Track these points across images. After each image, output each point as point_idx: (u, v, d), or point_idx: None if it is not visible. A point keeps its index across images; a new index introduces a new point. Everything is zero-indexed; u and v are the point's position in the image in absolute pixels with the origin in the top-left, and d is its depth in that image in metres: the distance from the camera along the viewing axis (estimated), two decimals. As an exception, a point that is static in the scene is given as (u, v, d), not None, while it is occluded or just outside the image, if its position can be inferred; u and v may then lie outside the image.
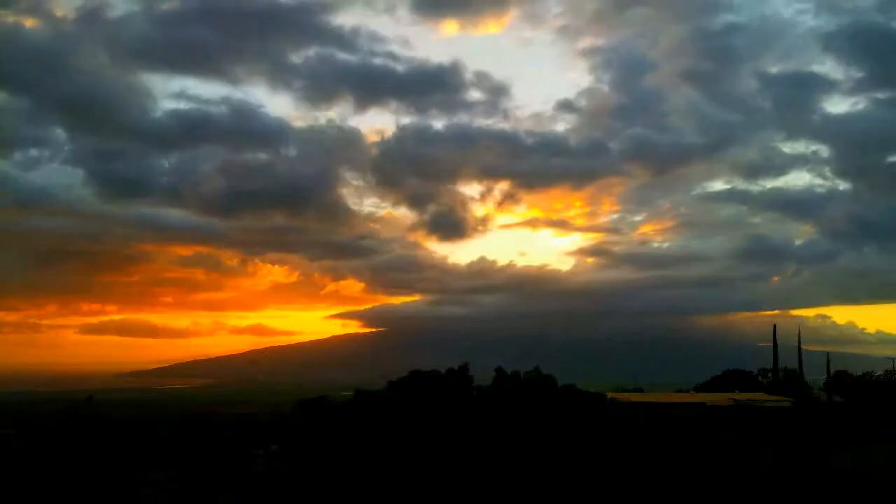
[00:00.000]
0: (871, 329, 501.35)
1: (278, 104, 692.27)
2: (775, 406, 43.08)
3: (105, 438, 34.97)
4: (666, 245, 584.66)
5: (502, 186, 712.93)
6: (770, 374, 58.53)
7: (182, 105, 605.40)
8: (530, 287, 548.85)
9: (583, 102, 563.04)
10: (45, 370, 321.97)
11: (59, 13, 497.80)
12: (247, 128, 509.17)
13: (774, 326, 62.86)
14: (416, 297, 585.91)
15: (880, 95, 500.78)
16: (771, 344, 60.29)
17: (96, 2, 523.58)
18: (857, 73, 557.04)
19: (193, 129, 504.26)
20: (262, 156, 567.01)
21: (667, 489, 24.72)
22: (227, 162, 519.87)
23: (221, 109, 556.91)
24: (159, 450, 32.79)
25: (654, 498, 24.31)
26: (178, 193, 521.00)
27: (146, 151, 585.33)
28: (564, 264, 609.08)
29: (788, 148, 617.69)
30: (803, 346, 59.41)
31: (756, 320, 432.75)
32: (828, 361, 54.97)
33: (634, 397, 47.67)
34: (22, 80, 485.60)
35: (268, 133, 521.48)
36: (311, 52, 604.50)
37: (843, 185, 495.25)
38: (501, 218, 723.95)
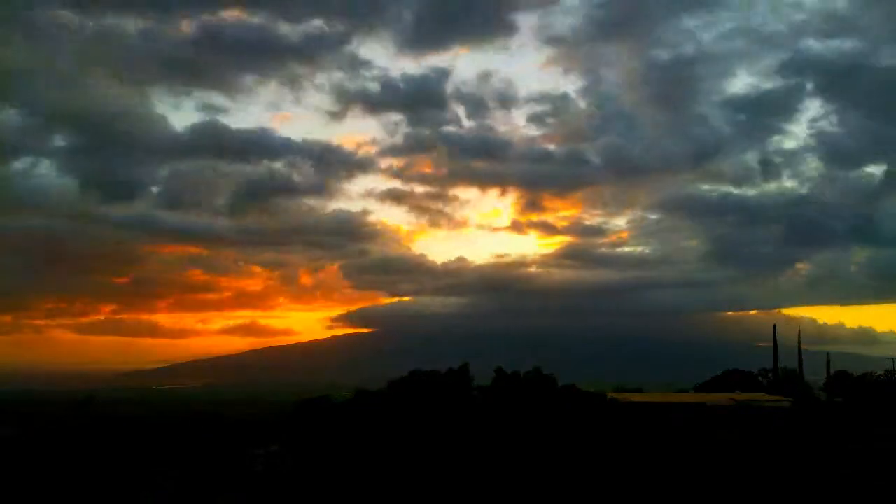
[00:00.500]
0: (851, 325, 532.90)
1: (281, 116, 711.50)
2: (775, 406, 43.05)
3: (105, 438, 34.98)
4: (645, 248, 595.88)
5: (491, 192, 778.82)
6: (770, 374, 58.46)
7: (191, 118, 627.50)
8: (516, 287, 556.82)
9: (565, 115, 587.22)
10: (45, 370, 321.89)
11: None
12: (250, 138, 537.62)
13: (774, 326, 62.88)
14: (410, 298, 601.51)
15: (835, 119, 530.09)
16: (771, 344, 60.31)
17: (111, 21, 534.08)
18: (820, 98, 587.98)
19: (201, 140, 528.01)
20: (262, 164, 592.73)
21: (667, 489, 24.72)
22: (226, 170, 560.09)
23: (225, 119, 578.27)
24: (159, 450, 32.75)
25: (654, 498, 24.30)
26: (180, 199, 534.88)
27: (156, 160, 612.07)
28: (552, 265, 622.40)
29: (761, 159, 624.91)
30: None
31: (744, 320, 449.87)
32: (828, 361, 54.99)
33: (634, 397, 47.55)
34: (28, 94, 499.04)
35: (269, 144, 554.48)
36: (318, 73, 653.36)
37: (814, 193, 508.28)
38: (489, 220, 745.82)
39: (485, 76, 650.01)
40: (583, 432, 33.74)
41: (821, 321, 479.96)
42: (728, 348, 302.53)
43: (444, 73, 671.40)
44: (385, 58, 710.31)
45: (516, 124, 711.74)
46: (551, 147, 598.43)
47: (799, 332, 61.08)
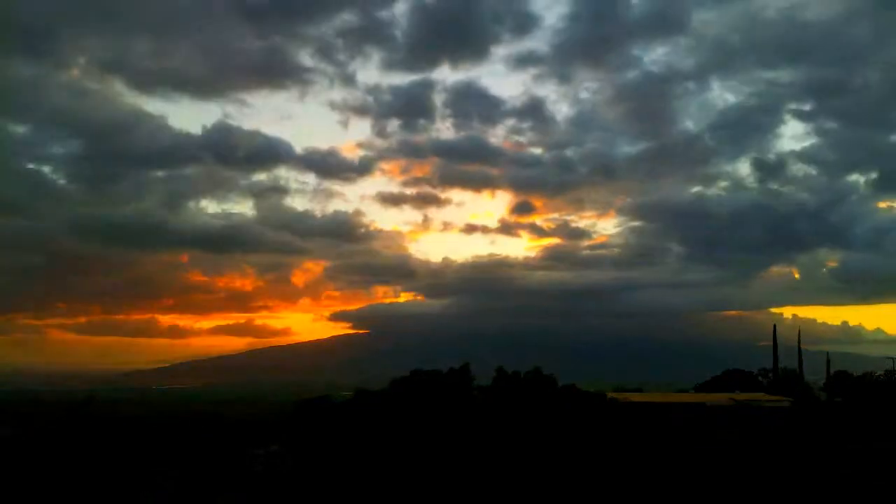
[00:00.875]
0: (835, 322, 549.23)
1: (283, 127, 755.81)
2: (775, 406, 43.05)
3: (105, 438, 34.94)
4: (632, 250, 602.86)
5: (483, 195, 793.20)
6: (770, 374, 58.46)
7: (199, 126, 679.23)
8: (512, 287, 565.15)
9: (548, 125, 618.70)
10: (45, 370, 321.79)
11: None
12: (255, 145, 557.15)
13: (774, 326, 62.93)
14: (405, 299, 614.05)
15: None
16: (770, 344, 60.31)
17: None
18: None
19: (209, 145, 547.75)
20: (264, 170, 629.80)
21: (667, 489, 24.71)
22: (229, 175, 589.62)
23: (234, 126, 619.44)
24: (159, 450, 32.73)
25: (654, 498, 24.29)
26: (180, 203, 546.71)
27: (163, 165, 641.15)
28: (546, 267, 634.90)
29: (750, 162, 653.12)
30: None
31: (744, 320, 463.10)
32: (828, 361, 55.00)
33: (634, 397, 47.57)
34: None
35: (271, 151, 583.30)
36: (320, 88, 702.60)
37: (797, 199, 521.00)
38: (481, 222, 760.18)
39: (471, 89, 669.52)
40: (583, 432, 33.75)
41: (802, 318, 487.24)
42: (728, 348, 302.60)
43: (434, 86, 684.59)
44: (381, 74, 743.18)
45: (504, 133, 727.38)
46: (538, 152, 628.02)
47: (799, 331, 61.12)
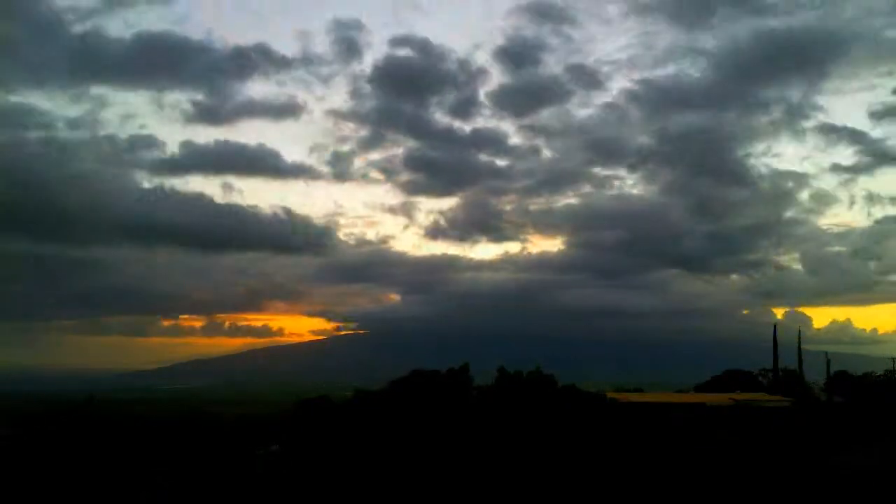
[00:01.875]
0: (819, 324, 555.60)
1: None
2: (775, 406, 43.03)
3: (105, 439, 34.95)
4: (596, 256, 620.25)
5: (462, 201, 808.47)
6: (770, 374, 58.41)
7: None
8: (504, 288, 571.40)
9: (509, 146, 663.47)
10: (46, 370, 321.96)
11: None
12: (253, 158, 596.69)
13: (775, 326, 62.66)
14: (403, 300, 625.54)
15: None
16: (771, 344, 60.19)
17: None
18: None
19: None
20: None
21: (667, 489, 24.71)
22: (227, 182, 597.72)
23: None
24: (159, 450, 32.73)
25: (654, 498, 24.29)
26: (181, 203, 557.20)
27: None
28: (529, 273, 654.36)
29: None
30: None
31: (743, 320, 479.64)
32: (828, 361, 54.88)
33: (634, 397, 47.55)
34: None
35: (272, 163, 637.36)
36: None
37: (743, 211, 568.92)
38: (463, 226, 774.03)
39: (436, 119, 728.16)
40: (583, 432, 33.75)
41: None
42: (728, 348, 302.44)
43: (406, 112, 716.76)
44: (360, 105, 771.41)
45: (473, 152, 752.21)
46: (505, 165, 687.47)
47: (799, 331, 61.04)
